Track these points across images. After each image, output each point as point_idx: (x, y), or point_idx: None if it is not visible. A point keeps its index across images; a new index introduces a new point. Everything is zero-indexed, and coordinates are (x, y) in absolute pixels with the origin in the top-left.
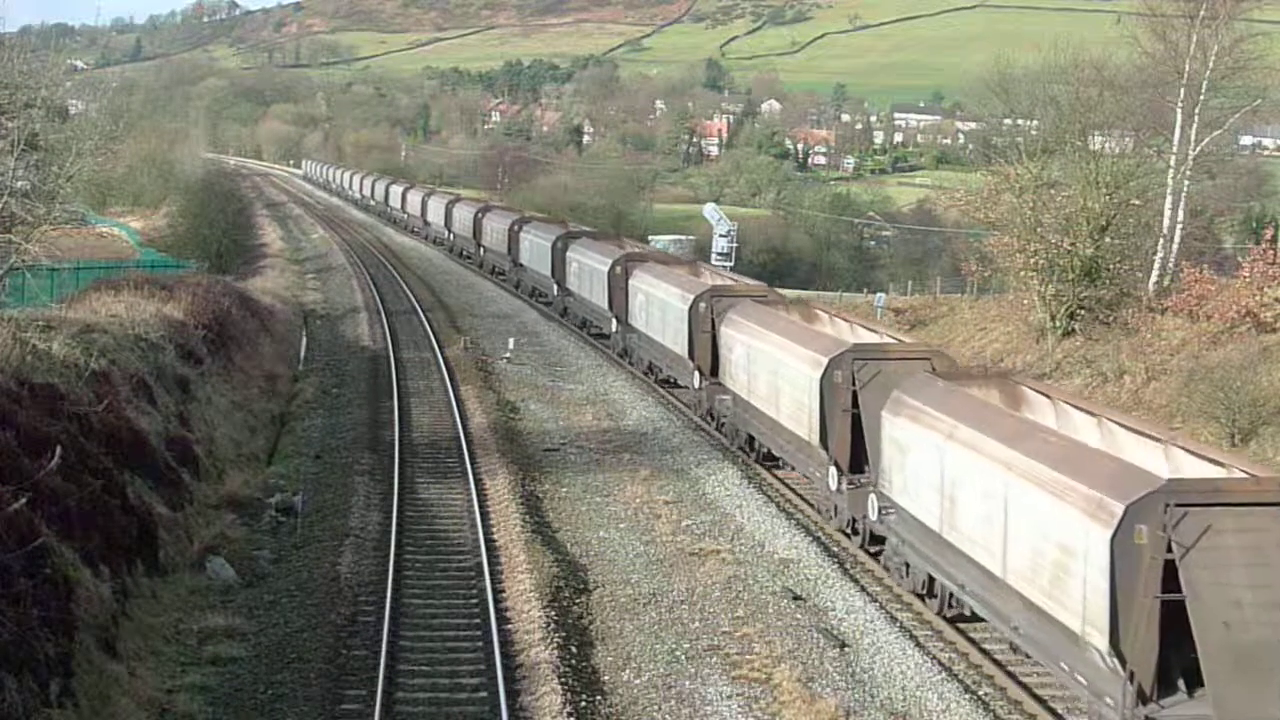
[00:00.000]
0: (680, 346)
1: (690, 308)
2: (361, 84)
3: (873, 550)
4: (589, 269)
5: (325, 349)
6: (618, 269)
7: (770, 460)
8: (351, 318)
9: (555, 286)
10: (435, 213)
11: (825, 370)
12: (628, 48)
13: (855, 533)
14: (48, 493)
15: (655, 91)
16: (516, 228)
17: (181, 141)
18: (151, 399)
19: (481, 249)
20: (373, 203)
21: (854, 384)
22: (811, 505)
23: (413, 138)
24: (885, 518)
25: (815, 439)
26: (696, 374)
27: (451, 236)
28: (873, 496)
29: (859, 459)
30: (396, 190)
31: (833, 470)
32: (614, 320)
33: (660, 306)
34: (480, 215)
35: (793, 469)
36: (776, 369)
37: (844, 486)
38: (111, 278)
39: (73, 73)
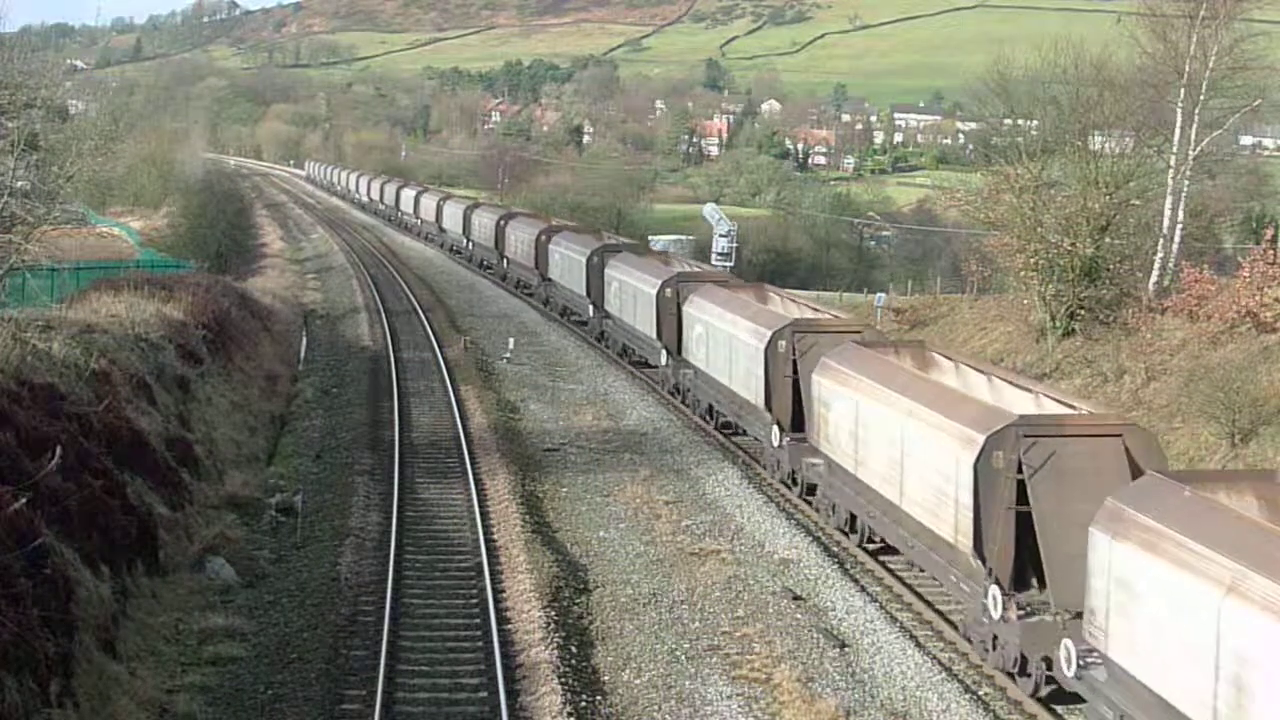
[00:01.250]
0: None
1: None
2: (361, 84)
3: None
4: (632, 290)
5: (325, 349)
6: (668, 291)
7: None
8: (351, 318)
9: (591, 308)
10: (451, 219)
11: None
12: (628, 48)
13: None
14: (48, 493)
15: (655, 91)
16: (545, 238)
17: (181, 142)
18: (151, 399)
19: (505, 260)
20: (381, 207)
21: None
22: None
23: (413, 138)
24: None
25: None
26: (664, 352)
27: (470, 246)
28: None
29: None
30: (408, 194)
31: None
32: (664, 352)
33: (726, 343)
34: (503, 223)
35: (744, 432)
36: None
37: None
38: (111, 278)
39: (73, 73)
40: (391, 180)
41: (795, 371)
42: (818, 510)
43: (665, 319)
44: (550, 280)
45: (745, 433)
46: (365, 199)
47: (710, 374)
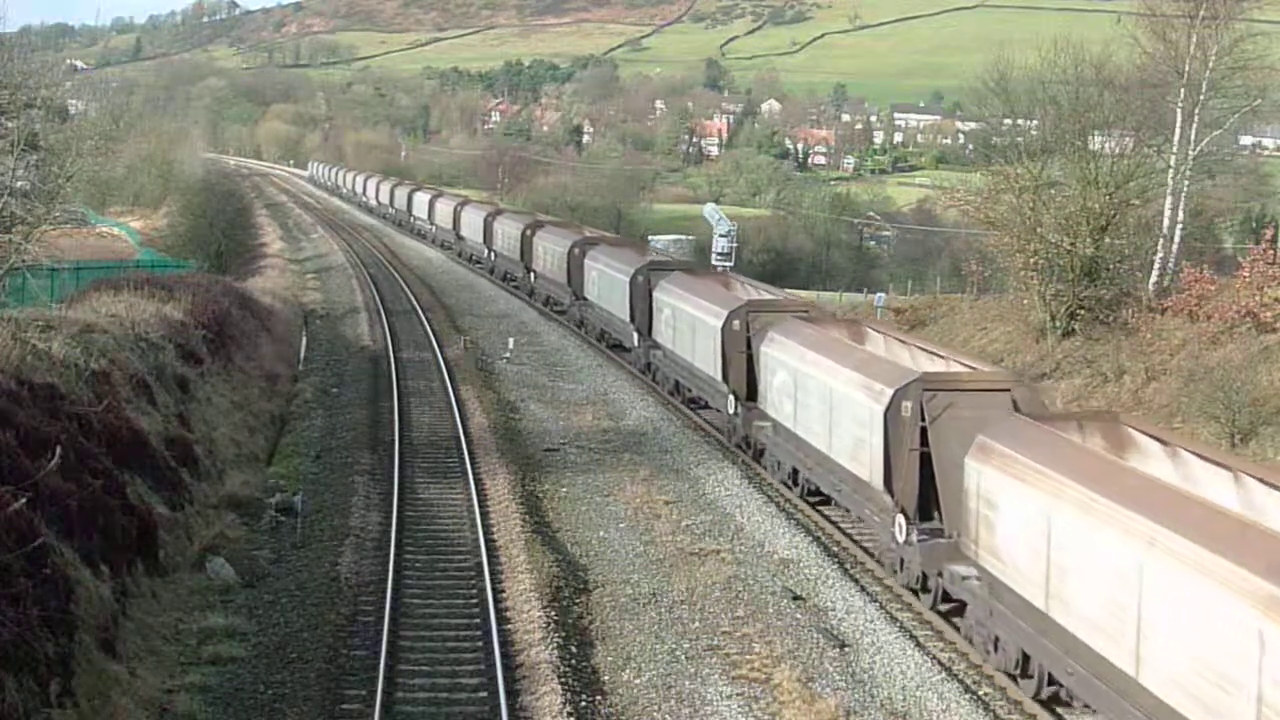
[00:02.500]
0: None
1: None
2: (361, 84)
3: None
4: (689, 319)
5: (325, 349)
6: (735, 323)
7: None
8: (351, 317)
9: (636, 335)
10: (471, 227)
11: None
12: (628, 48)
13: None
14: (48, 493)
15: (655, 91)
16: (578, 251)
17: (181, 142)
18: (151, 399)
19: (532, 275)
20: (391, 211)
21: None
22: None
23: (413, 138)
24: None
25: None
26: (731, 398)
27: (492, 257)
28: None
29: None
30: (421, 198)
31: (732, 399)
32: (731, 398)
33: (825, 398)
34: (529, 233)
35: (708, 405)
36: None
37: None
38: (111, 278)
39: (73, 73)
40: (402, 184)
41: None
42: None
43: (733, 357)
44: (585, 300)
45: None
46: (374, 203)
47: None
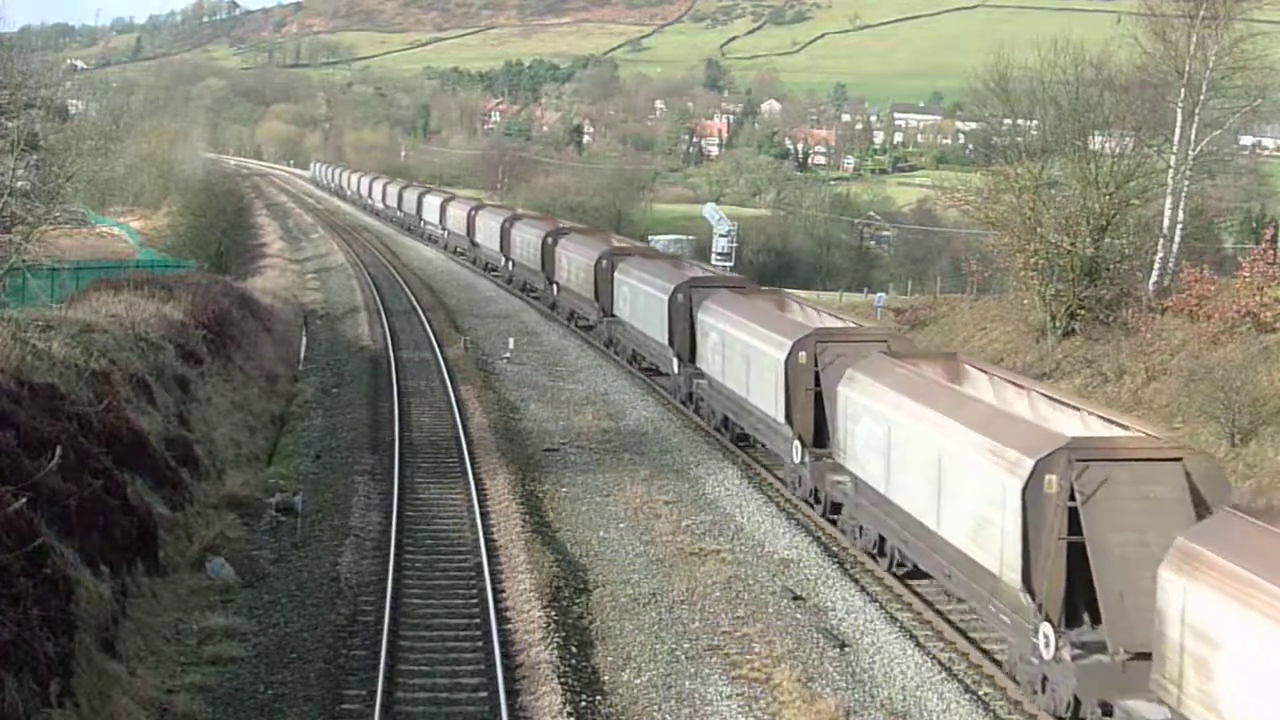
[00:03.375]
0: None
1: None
2: (361, 84)
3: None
4: (741, 348)
5: (325, 349)
6: (800, 356)
7: (650, 370)
8: (351, 317)
9: (676, 361)
10: (486, 233)
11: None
12: (628, 48)
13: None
14: (48, 493)
15: (655, 91)
16: (606, 264)
17: (181, 142)
18: (151, 399)
19: (554, 287)
20: (399, 214)
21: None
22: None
23: (413, 138)
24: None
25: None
26: (797, 444)
27: (510, 266)
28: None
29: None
30: (432, 202)
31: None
32: (797, 443)
33: (923, 449)
34: (551, 241)
35: (658, 370)
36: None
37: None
38: (111, 278)
39: (73, 73)
40: (411, 186)
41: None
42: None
43: (796, 396)
44: (616, 319)
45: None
46: (380, 205)
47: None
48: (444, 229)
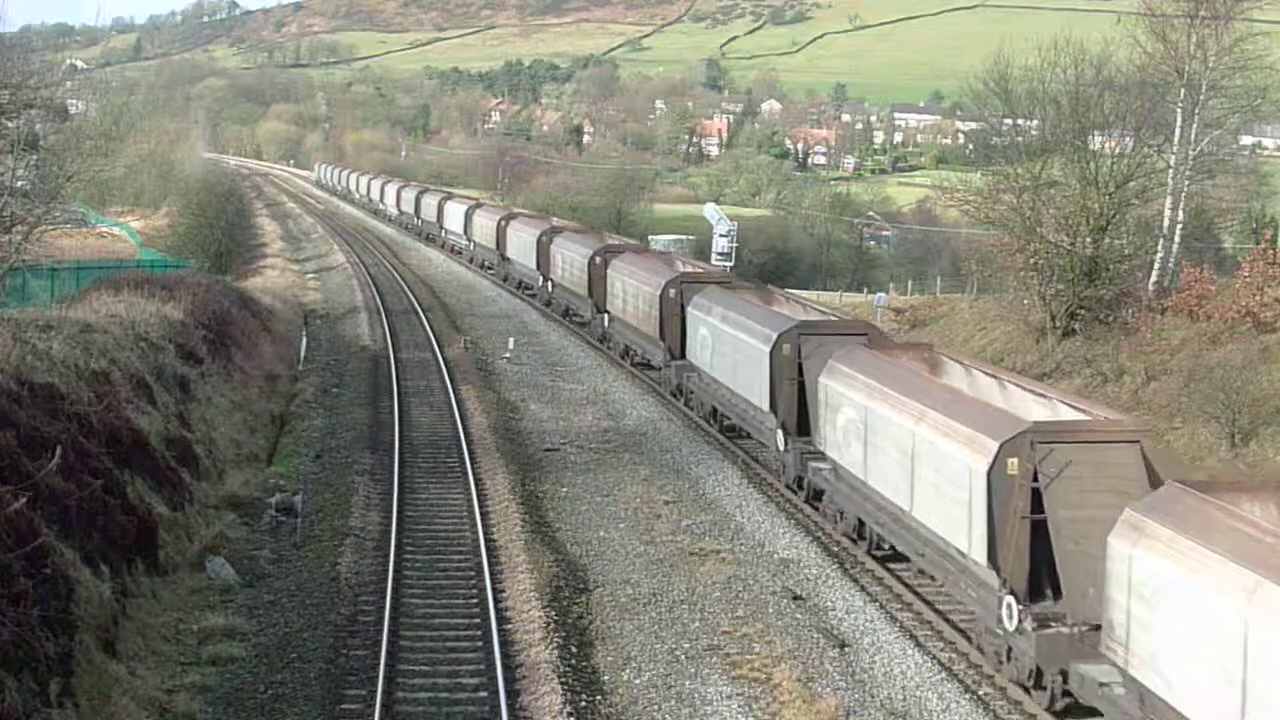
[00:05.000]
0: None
1: (662, 294)
2: (361, 84)
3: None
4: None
5: (325, 349)
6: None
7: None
8: (351, 317)
9: (666, 354)
10: (519, 247)
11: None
12: (628, 48)
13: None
14: (48, 493)
15: (655, 91)
16: (677, 294)
17: (181, 142)
18: (151, 399)
19: (605, 316)
20: (417, 222)
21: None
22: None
23: (412, 138)
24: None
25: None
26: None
27: (549, 286)
28: (684, 365)
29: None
30: (455, 210)
31: (664, 353)
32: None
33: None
34: (599, 260)
35: (648, 361)
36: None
37: (671, 362)
38: (111, 278)
39: (73, 73)
40: (429, 191)
41: (682, 310)
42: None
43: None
44: (690, 364)
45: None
46: (393, 211)
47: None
48: (469, 240)
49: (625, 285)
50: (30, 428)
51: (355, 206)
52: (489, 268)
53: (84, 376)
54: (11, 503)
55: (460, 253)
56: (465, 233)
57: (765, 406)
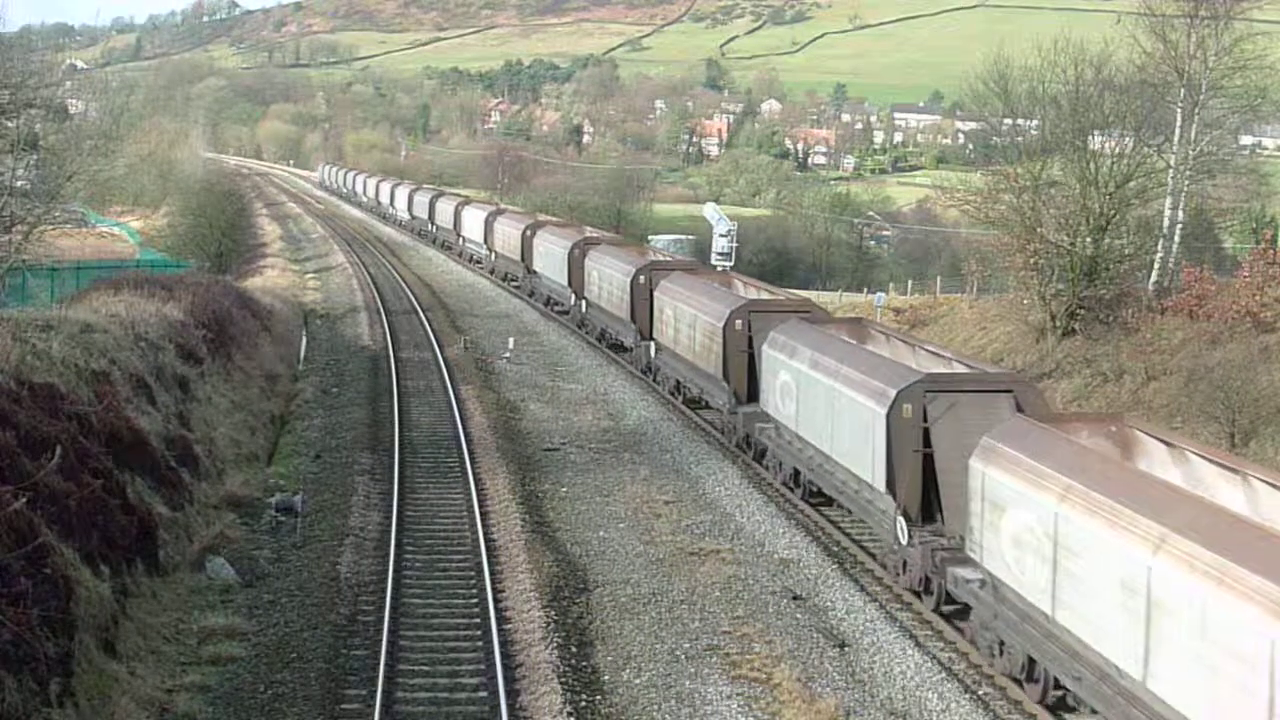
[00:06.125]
0: (713, 367)
1: (725, 327)
2: (361, 84)
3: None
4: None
5: (325, 349)
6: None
7: (618, 347)
8: (351, 317)
9: (637, 335)
10: (547, 260)
11: (634, 276)
12: (628, 48)
13: (749, 447)
14: (48, 493)
15: (655, 91)
16: (740, 326)
17: (181, 141)
18: (151, 399)
19: (651, 346)
20: (431, 228)
21: (651, 283)
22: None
23: (412, 138)
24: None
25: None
26: (573, 296)
27: (583, 306)
28: (653, 346)
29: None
30: (473, 217)
31: (636, 335)
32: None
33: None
34: (643, 279)
35: (623, 344)
36: (613, 281)
37: (642, 343)
38: (111, 278)
39: (73, 72)
40: (443, 195)
41: (650, 295)
42: (658, 382)
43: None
44: (769, 416)
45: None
46: (404, 216)
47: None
48: (489, 249)
49: (679, 312)
50: (30, 428)
51: (359, 209)
52: (513, 281)
53: (84, 376)
54: (11, 503)
55: (479, 263)
56: (485, 242)
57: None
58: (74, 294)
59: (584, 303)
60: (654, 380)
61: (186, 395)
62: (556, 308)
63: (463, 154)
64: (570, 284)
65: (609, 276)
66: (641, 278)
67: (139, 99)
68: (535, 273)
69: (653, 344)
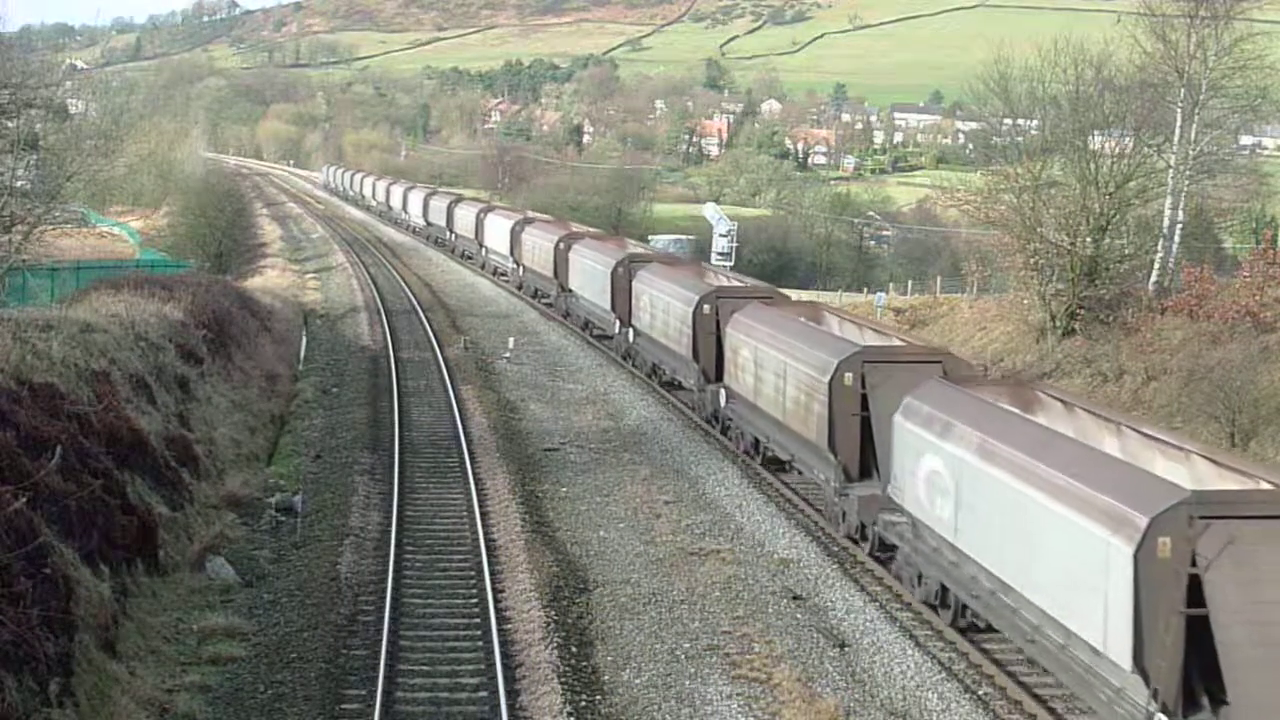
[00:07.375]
0: (605, 302)
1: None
2: (361, 84)
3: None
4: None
5: (325, 348)
6: (705, 308)
7: (601, 336)
8: (351, 317)
9: (618, 323)
10: (585, 279)
11: (613, 269)
12: (628, 48)
13: (717, 421)
14: (48, 493)
15: (655, 91)
16: (855, 380)
17: (181, 141)
18: (151, 399)
19: (722, 396)
20: (450, 237)
21: (630, 275)
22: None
23: (412, 138)
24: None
25: (609, 307)
26: (557, 287)
27: (630, 334)
28: (631, 330)
29: (629, 314)
30: (498, 226)
31: (617, 321)
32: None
33: (772, 364)
34: (706, 310)
35: (602, 331)
36: (594, 272)
37: (622, 329)
38: (111, 278)
39: (73, 72)
40: (462, 201)
41: (630, 285)
42: (636, 366)
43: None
44: (733, 391)
45: (601, 329)
46: (419, 222)
47: (583, 295)
48: (516, 262)
49: (583, 266)
50: (30, 428)
51: (367, 212)
52: (544, 298)
53: (84, 376)
54: (11, 503)
55: (505, 275)
56: (512, 254)
57: (689, 355)
58: (74, 294)
59: (722, 392)
60: (632, 364)
61: (186, 395)
62: (595, 331)
63: (463, 154)
64: (697, 358)
65: (777, 363)
66: (848, 376)
67: (139, 99)
68: (571, 292)
69: (722, 389)
